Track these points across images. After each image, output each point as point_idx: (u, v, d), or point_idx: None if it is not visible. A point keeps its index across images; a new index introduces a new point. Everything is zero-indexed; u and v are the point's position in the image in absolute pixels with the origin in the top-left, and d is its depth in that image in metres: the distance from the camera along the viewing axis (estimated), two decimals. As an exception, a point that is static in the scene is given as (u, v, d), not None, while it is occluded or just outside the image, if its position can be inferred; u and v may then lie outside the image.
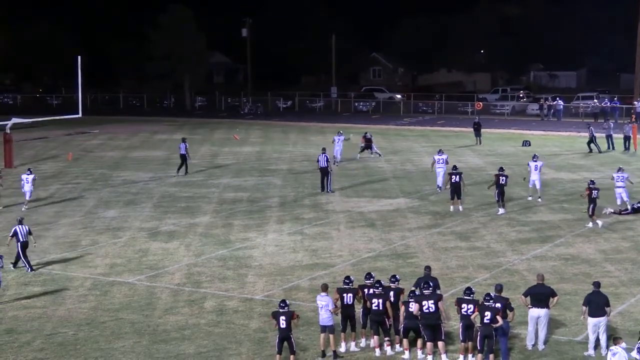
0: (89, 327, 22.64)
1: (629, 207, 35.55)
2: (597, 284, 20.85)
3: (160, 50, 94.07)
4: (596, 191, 33.13)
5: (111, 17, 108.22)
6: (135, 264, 28.90)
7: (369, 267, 27.52)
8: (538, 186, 38.39)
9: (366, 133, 55.92)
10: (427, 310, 19.78)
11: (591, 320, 20.25)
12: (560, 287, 24.93)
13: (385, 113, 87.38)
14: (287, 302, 19.70)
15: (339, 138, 51.68)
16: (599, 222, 33.07)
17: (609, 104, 77.42)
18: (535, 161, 38.39)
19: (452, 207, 36.41)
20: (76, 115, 62.24)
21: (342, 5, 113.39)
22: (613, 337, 18.44)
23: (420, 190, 41.86)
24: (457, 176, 36.22)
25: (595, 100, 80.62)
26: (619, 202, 35.85)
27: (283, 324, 19.36)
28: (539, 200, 38.13)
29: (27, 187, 38.10)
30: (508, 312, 19.90)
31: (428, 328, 19.82)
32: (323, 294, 20.53)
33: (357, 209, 37.60)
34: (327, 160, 41.39)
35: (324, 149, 42.90)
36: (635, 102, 75.05)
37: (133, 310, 23.94)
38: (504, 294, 20.46)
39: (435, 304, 19.76)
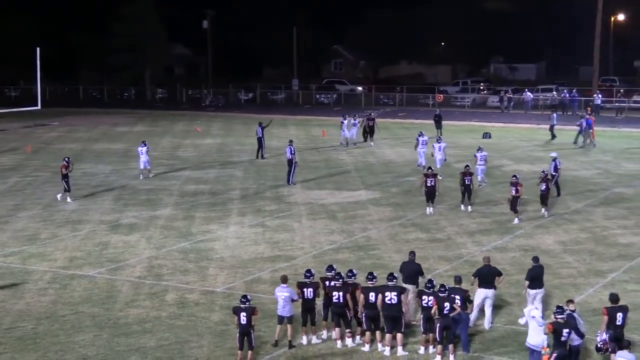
0: (49, 321, 22.45)
1: (482, 183, 39.43)
2: (536, 259, 21.98)
3: (121, 42, 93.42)
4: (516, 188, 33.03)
5: (71, 7, 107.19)
6: (95, 257, 28.69)
7: (330, 259, 27.51)
8: (439, 165, 42.86)
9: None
10: (388, 302, 19.82)
11: (532, 292, 21.46)
12: (521, 278, 25.05)
13: (347, 105, 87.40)
14: (249, 297, 19.64)
15: (347, 121, 56.11)
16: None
17: (567, 95, 78.08)
18: (439, 143, 44.14)
19: (428, 209, 34.69)
20: (35, 107, 61.73)
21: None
22: (567, 300, 19.17)
23: (381, 183, 41.95)
24: (433, 180, 34.49)
25: (554, 93, 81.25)
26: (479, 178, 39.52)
27: (243, 320, 19.29)
28: (440, 177, 38.78)
29: (143, 158, 43.29)
30: (467, 304, 19.99)
31: (389, 319, 19.88)
32: (283, 285, 20.53)
33: (319, 201, 37.61)
34: (292, 153, 41.39)
35: (290, 141, 42.97)
36: (594, 95, 75.73)
37: (93, 304, 23.77)
38: (464, 286, 20.58)
39: (398, 296, 19.82)
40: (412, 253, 22.62)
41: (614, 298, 18.96)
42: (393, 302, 19.80)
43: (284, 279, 20.79)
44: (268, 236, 31.09)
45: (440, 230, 31.89)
